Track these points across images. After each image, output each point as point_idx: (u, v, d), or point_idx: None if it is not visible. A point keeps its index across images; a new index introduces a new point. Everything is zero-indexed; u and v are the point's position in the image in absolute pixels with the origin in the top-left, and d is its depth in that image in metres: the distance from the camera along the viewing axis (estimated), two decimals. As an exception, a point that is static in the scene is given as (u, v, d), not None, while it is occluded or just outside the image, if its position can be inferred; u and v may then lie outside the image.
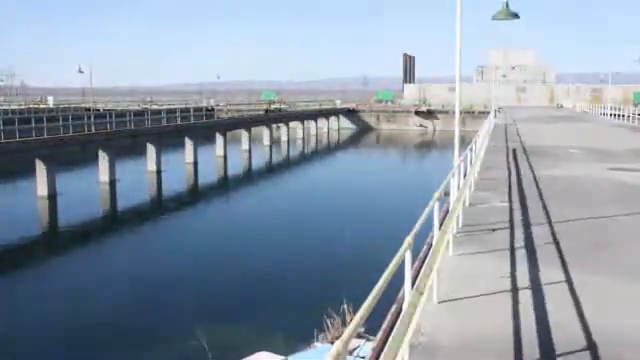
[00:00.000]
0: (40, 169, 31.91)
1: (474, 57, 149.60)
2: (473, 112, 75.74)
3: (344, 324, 11.67)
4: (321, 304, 12.86)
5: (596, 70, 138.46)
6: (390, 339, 4.45)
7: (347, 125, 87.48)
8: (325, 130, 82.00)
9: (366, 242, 22.99)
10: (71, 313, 16.31)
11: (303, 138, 73.75)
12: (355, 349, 10.60)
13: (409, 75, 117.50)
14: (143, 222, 30.18)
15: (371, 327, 8.69)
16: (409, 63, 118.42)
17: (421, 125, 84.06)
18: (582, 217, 11.20)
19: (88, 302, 17.26)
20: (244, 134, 58.23)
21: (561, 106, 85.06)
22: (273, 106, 78.76)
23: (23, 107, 73.52)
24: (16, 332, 15.45)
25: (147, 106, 75.99)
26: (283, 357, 11.88)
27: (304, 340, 12.58)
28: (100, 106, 78.94)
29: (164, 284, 18.99)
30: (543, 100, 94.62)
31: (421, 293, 5.49)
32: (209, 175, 45.11)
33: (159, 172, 41.75)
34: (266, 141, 63.88)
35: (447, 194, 9.50)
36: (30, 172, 33.18)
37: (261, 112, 72.84)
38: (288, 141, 68.88)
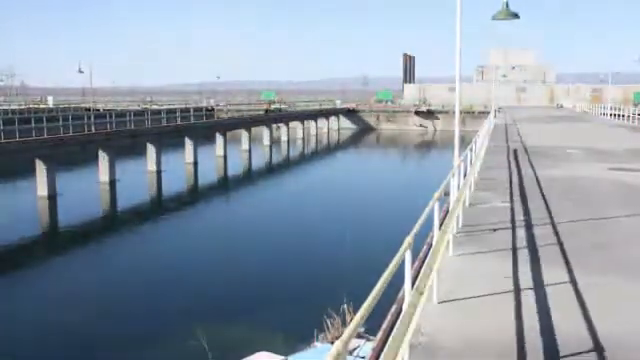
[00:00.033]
0: (40, 169, 31.92)
1: (474, 57, 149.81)
2: (473, 112, 75.74)
3: (344, 324, 11.67)
4: (321, 304, 12.86)
5: (596, 70, 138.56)
6: (390, 339, 4.44)
7: (347, 125, 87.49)
8: (325, 130, 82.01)
9: (366, 242, 22.99)
10: (71, 313, 16.29)
11: (303, 138, 73.76)
12: (355, 349, 10.60)
13: (409, 75, 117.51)
14: (143, 222, 30.19)
15: (371, 327, 8.69)
16: (409, 63, 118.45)
17: (421, 125, 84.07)
18: (583, 217, 11.20)
19: (88, 302, 17.27)
20: (244, 134, 58.24)
21: (561, 106, 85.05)
22: (273, 106, 78.78)
23: (23, 107, 73.52)
24: (16, 332, 15.44)
25: (147, 106, 76.01)
26: (283, 357, 11.88)
27: (304, 340, 12.58)
28: (100, 106, 78.99)
29: (164, 284, 18.99)
30: (543, 100, 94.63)
31: (421, 293, 5.48)
32: (209, 175, 45.12)
33: (159, 172, 41.75)
34: (266, 141, 63.90)
35: (447, 194, 9.50)
36: (30, 172, 33.18)
37: (261, 112, 72.86)
38: (288, 141, 68.89)
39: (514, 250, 8.92)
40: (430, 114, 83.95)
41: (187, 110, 54.87)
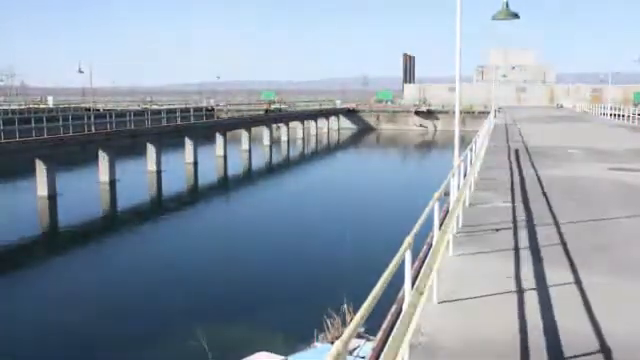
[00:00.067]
0: (40, 169, 31.92)
1: (474, 57, 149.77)
2: (473, 112, 75.75)
3: (344, 324, 11.67)
4: (321, 304, 12.86)
5: (596, 70, 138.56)
6: (390, 339, 4.44)
7: (347, 125, 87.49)
8: (325, 130, 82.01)
9: (366, 242, 22.99)
10: (71, 313, 16.29)
11: (303, 138, 73.76)
12: (355, 349, 10.60)
13: (409, 75, 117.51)
14: (143, 222, 30.19)
15: (371, 327, 8.68)
16: (409, 63, 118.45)
17: (421, 125, 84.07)
18: (583, 217, 11.19)
19: (88, 302, 17.27)
20: (244, 134, 58.24)
21: (561, 106, 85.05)
22: (273, 106, 78.78)
23: (23, 107, 73.52)
24: (16, 332, 15.44)
25: (147, 106, 76.02)
26: (283, 357, 11.87)
27: (304, 340, 12.58)
28: (100, 106, 79.00)
29: (164, 284, 18.99)
30: (543, 100, 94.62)
31: (421, 293, 5.48)
32: (209, 175, 45.12)
33: (159, 172, 41.75)
34: (266, 141, 63.90)
35: (447, 194, 9.49)
36: (30, 172, 33.18)
37: (261, 112, 72.86)
38: (288, 141, 68.88)
39: (514, 250, 8.91)
40: (430, 114, 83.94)
41: (187, 110, 54.87)
